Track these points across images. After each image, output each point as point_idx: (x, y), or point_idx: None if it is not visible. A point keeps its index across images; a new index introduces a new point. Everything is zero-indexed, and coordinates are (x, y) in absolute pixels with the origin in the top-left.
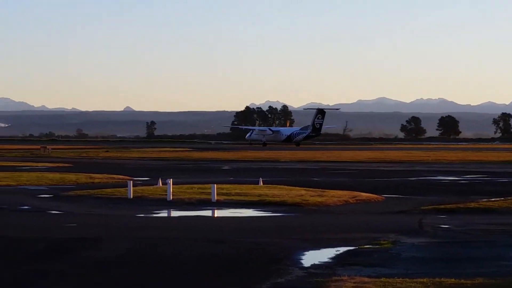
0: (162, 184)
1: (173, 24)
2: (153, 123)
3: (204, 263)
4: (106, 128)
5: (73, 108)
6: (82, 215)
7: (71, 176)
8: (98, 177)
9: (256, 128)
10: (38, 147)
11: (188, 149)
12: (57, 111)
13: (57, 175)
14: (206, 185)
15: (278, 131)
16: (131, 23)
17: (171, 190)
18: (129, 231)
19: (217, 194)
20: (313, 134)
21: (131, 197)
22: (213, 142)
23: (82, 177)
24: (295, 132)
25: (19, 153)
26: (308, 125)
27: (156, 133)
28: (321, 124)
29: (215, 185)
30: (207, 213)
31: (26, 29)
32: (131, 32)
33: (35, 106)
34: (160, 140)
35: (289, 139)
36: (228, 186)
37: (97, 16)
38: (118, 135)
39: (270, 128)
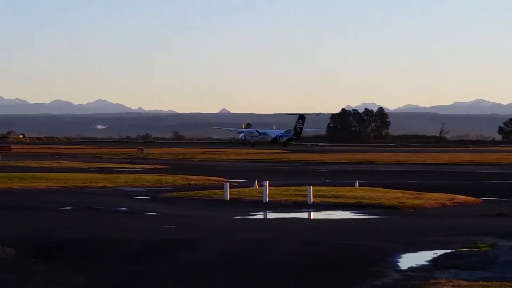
0: (258, 186)
1: (271, 25)
2: (249, 125)
3: (300, 265)
4: (202, 130)
5: (169, 110)
6: (179, 216)
7: (168, 178)
8: (194, 179)
9: (245, 130)
10: (135, 149)
11: (284, 151)
12: (154, 113)
13: (154, 177)
14: (302, 187)
15: (265, 133)
16: (225, 26)
17: (268, 192)
18: (225, 233)
19: (313, 196)
20: (295, 137)
21: (228, 199)
22: (308, 144)
23: (179, 179)
24: (279, 135)
25: (116, 155)
26: (291, 129)
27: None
28: (301, 128)
29: (311, 187)
30: (303, 215)
31: (124, 33)
32: (227, 34)
33: (132, 108)
34: (256, 142)
35: (275, 140)
36: (324, 188)
37: (195, 19)
38: (214, 137)
39: (258, 130)
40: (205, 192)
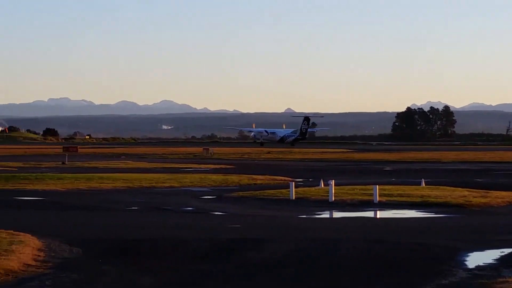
0: (324, 185)
1: (332, 25)
2: (314, 124)
3: (366, 263)
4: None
5: (234, 110)
6: (245, 216)
7: (234, 178)
8: (260, 179)
9: (255, 129)
10: (201, 149)
11: (349, 150)
12: (219, 113)
13: (219, 177)
14: (368, 186)
15: (274, 133)
16: (291, 25)
17: (333, 191)
18: (291, 231)
19: (379, 195)
20: (300, 137)
21: (293, 198)
22: (374, 143)
23: (245, 179)
24: (286, 134)
25: (182, 155)
26: (297, 129)
27: (316, 134)
28: (306, 129)
29: (377, 186)
30: (369, 214)
31: (189, 33)
32: (292, 33)
33: (198, 108)
34: (321, 142)
35: (282, 140)
36: (390, 187)
37: (263, 18)
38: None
39: (266, 130)
40: (271, 191)
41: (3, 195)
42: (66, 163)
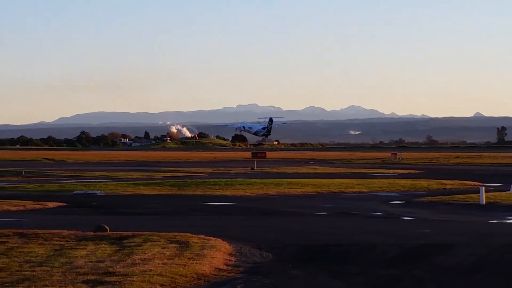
0: None
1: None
2: (503, 128)
3: None
4: (456, 134)
5: (422, 114)
6: (434, 221)
7: (423, 183)
8: (449, 183)
9: (238, 125)
10: (388, 154)
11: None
12: (407, 118)
13: (408, 182)
14: None
15: (250, 128)
16: (478, 27)
17: None
18: (482, 237)
19: None
20: (267, 133)
21: (483, 203)
22: None
23: (434, 184)
24: (258, 130)
25: (370, 160)
26: (265, 126)
27: (506, 138)
28: (271, 127)
29: None
30: None
31: (373, 42)
32: (477, 34)
33: (385, 113)
34: (511, 146)
35: (256, 133)
36: None
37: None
38: (468, 141)
39: (244, 126)
40: (460, 196)
41: (194, 200)
42: (255, 168)
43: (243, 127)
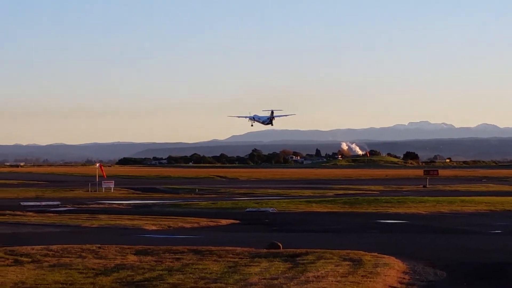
0: None
1: None
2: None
3: None
4: None
5: None
6: None
7: None
8: None
9: (249, 116)
10: None
11: None
12: None
13: None
14: None
15: (259, 118)
16: None
17: None
18: None
19: None
20: (270, 122)
21: None
22: None
23: None
24: (264, 119)
25: None
26: (269, 117)
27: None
28: (273, 118)
29: None
30: None
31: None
32: None
33: None
34: None
35: (263, 122)
36: None
37: None
38: None
39: (253, 117)
40: None
41: (366, 218)
42: (427, 186)
43: (254, 118)
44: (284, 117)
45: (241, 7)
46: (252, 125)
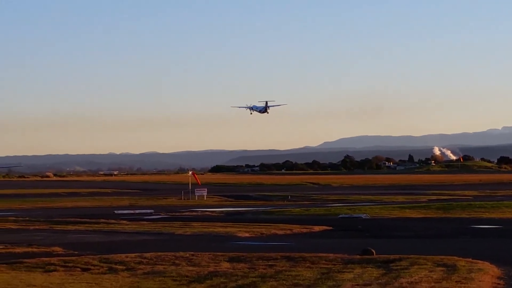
0: None
1: None
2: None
3: None
4: None
5: None
6: None
7: None
8: None
9: (247, 106)
10: None
11: None
12: None
13: None
14: None
15: (256, 107)
16: None
17: None
18: None
19: None
20: (264, 111)
21: None
22: None
23: None
24: (260, 108)
25: None
26: (264, 106)
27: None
28: (267, 107)
29: None
30: None
31: None
32: None
33: None
34: None
35: (260, 111)
36: None
37: None
38: None
39: (251, 107)
40: None
41: (459, 223)
42: None
43: (252, 108)
44: (277, 106)
45: None
46: (251, 114)
